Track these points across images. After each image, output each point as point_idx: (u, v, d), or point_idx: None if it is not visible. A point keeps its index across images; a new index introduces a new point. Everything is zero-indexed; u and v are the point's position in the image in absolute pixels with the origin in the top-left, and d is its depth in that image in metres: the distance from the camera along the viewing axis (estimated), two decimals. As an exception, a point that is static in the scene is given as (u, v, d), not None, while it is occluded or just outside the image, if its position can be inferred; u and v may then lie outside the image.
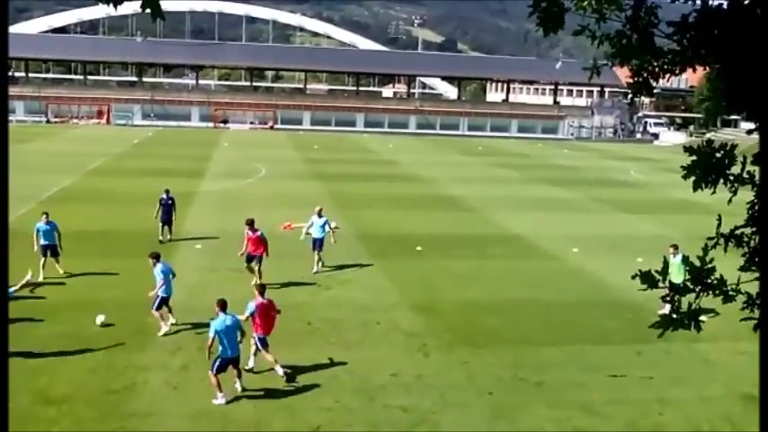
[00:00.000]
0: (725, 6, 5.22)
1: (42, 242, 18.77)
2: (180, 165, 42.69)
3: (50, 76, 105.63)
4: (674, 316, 5.40)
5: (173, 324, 15.45)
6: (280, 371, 13.02)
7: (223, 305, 12.39)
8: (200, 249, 22.54)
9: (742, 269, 5.23)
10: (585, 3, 5.50)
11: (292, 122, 79.04)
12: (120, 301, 17.05)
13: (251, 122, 78.98)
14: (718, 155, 5.22)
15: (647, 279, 5.31)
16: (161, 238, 22.90)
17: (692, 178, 5.32)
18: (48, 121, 73.86)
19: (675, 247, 17.00)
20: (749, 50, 5.03)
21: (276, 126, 78.51)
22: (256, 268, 18.61)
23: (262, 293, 13.42)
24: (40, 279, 18.05)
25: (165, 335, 15.03)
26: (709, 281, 5.25)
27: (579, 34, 5.55)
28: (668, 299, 5.43)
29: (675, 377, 14.18)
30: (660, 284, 5.35)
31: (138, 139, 58.74)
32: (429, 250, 23.54)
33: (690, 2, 5.34)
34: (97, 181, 35.98)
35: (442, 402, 12.60)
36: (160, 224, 23.13)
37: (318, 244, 20.39)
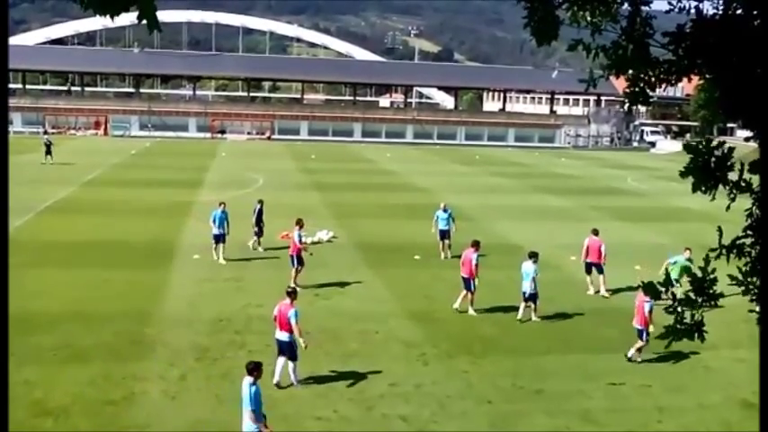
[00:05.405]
0: (720, 16, 5.26)
1: None
2: (177, 175, 42.70)
3: (48, 87, 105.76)
4: (678, 326, 5.40)
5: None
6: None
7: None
8: (197, 260, 22.52)
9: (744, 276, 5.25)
10: (580, 16, 5.53)
11: (289, 132, 79.04)
12: (117, 311, 17.03)
13: (248, 133, 79.00)
14: (716, 153, 5.24)
15: (651, 290, 5.32)
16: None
17: (690, 178, 5.33)
18: (45, 132, 73.84)
19: (689, 250, 18.77)
20: (744, 59, 5.07)
21: (273, 136, 78.56)
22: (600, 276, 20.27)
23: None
24: None
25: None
26: (711, 291, 5.26)
27: (573, 49, 5.57)
28: (671, 310, 5.41)
29: (674, 385, 14.19)
30: (663, 296, 5.37)
31: (135, 150, 58.75)
32: (427, 259, 23.54)
33: (685, 12, 5.38)
34: (94, 192, 35.94)
35: (441, 411, 12.59)
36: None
37: (447, 235, 23.82)
